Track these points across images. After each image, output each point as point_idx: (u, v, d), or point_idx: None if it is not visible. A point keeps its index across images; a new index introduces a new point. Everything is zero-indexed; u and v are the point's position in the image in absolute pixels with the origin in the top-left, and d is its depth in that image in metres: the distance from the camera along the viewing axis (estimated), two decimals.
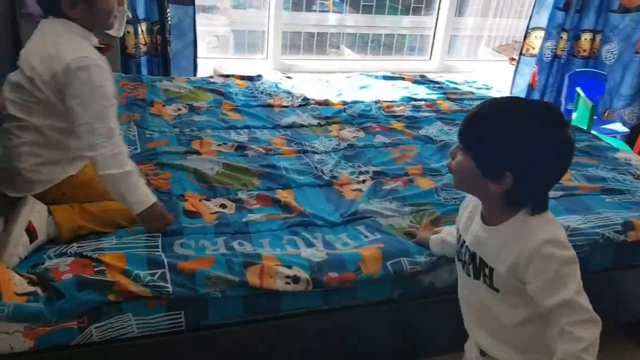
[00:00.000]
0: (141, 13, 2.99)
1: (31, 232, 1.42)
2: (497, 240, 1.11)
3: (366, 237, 1.64)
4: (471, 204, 1.23)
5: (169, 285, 1.33)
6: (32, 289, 1.28)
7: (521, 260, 1.06)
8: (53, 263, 1.35)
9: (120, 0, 1.56)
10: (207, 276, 1.36)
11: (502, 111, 1.07)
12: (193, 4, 3.09)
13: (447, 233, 1.51)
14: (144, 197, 1.47)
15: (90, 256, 1.36)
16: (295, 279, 1.40)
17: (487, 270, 1.14)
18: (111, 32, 2.66)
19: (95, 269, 1.32)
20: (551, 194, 1.89)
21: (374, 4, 5.45)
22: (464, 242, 1.21)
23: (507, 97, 1.24)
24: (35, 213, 1.45)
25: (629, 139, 3.72)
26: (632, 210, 1.89)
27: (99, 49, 1.52)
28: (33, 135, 1.50)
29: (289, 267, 1.42)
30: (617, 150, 2.42)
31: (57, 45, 1.42)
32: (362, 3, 5.44)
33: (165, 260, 1.39)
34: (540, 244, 1.04)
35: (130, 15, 2.83)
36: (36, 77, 1.43)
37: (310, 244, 1.58)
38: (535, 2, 3.75)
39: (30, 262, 1.38)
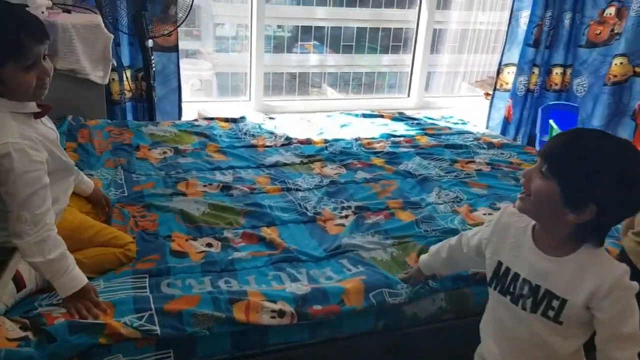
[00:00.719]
0: (126, 60, 3.08)
1: (19, 281, 1.44)
2: (571, 270, 1.12)
3: (349, 270, 1.69)
4: (510, 235, 1.22)
5: (157, 327, 1.36)
6: (23, 334, 1.31)
7: (602, 290, 1.08)
8: (45, 310, 1.38)
9: (45, 72, 1.41)
10: (194, 315, 1.39)
11: (598, 143, 1.08)
12: (177, 50, 3.18)
13: (435, 256, 1.52)
14: (71, 282, 1.41)
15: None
16: (281, 313, 1.45)
17: (555, 302, 1.13)
18: (96, 79, 2.76)
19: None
20: None
21: (354, 44, 5.62)
22: (517, 275, 1.19)
23: (592, 129, 1.29)
24: (23, 263, 1.46)
25: None
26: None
27: (37, 113, 1.46)
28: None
29: (274, 301, 1.47)
30: None
31: None
32: (342, 43, 5.62)
33: (152, 302, 1.43)
34: (622, 274, 1.08)
35: (115, 63, 2.91)
36: None
37: (295, 279, 1.62)
38: (506, 39, 3.91)
39: (22, 308, 1.41)
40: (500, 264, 1.24)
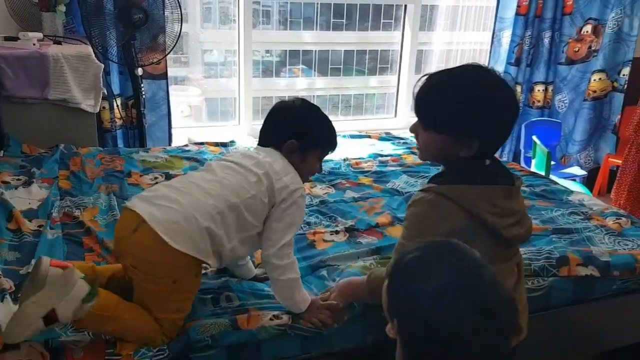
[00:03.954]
0: (116, 89, 3.14)
1: (51, 319, 1.27)
2: None
3: (334, 280, 1.74)
4: None
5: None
6: None
7: None
8: (70, 340, 1.40)
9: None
10: (200, 325, 1.46)
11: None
12: (166, 78, 3.25)
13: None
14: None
15: (105, 338, 1.42)
16: (278, 317, 1.54)
17: None
18: (87, 108, 2.81)
19: (107, 351, 1.39)
20: None
21: (341, 67, 5.71)
22: None
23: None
24: (65, 302, 1.27)
25: (590, 182, 3.92)
26: (572, 245, 1.97)
27: None
28: None
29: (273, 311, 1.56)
30: (571, 192, 2.57)
31: None
32: (329, 66, 5.71)
33: None
34: None
35: (105, 92, 2.96)
36: None
37: None
38: (489, 59, 4.02)
39: (47, 335, 1.38)
40: None
